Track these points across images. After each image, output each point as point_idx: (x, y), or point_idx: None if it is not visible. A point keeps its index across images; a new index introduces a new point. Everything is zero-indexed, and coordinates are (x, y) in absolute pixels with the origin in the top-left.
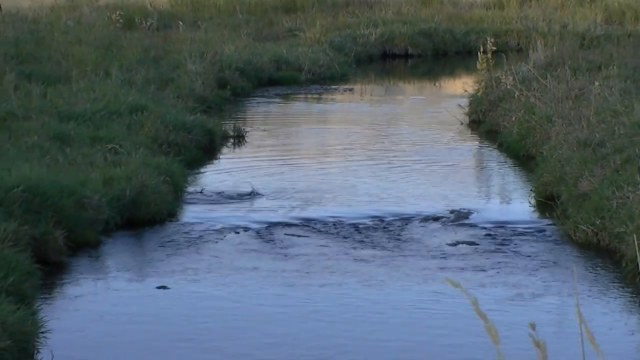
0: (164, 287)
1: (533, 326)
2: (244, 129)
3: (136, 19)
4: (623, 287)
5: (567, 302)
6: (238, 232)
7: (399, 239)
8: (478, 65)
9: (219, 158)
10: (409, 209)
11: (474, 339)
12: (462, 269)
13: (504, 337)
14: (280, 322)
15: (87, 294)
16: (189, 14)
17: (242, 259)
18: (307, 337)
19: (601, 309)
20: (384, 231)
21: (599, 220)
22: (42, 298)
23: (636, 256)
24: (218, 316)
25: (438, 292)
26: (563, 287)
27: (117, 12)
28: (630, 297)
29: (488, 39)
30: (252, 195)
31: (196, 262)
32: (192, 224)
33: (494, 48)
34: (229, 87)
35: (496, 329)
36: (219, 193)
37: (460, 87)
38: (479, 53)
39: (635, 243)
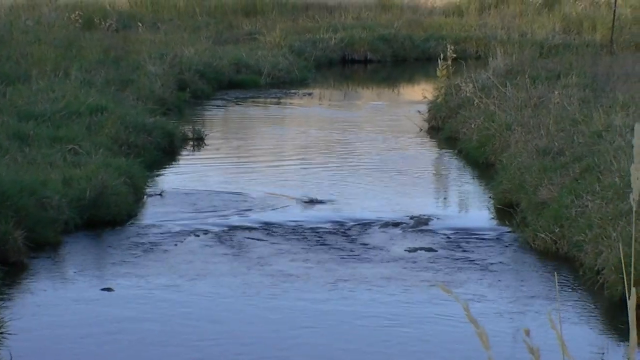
0: (108, 289)
1: (527, 332)
2: (203, 131)
3: (95, 20)
4: (581, 295)
5: (524, 308)
6: (198, 235)
7: (358, 244)
8: (438, 72)
9: (179, 160)
10: (368, 214)
11: (432, 344)
12: (422, 274)
13: (465, 342)
14: (229, 325)
15: (46, 295)
16: (148, 15)
17: (200, 262)
18: (259, 341)
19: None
20: (344, 236)
21: (558, 228)
22: (0, 298)
23: (595, 264)
24: (166, 319)
25: (397, 297)
26: (521, 294)
27: (76, 12)
28: (589, 305)
29: (448, 46)
30: (212, 197)
31: (155, 264)
32: (152, 225)
33: (454, 55)
34: (188, 89)
35: (487, 335)
36: (178, 195)
37: (420, 93)
38: (439, 60)
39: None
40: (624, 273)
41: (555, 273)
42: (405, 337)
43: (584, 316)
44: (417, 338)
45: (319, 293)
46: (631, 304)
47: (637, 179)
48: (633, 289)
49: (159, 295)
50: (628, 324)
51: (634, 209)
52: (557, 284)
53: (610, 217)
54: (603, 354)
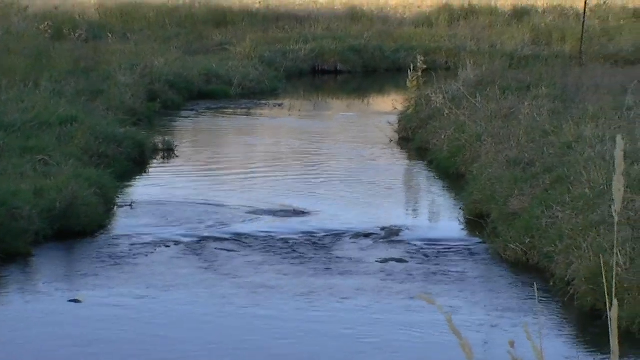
0: (77, 301)
1: (512, 344)
2: (174, 142)
3: (65, 30)
4: (552, 306)
5: (496, 319)
6: (169, 246)
7: (330, 255)
8: (409, 83)
9: (150, 171)
10: (340, 225)
11: (407, 355)
12: (394, 285)
13: (440, 353)
14: (201, 337)
15: (16, 305)
16: (118, 25)
17: (171, 273)
18: (231, 353)
19: (530, 328)
20: (316, 247)
21: (529, 239)
22: None
23: (566, 275)
24: (136, 330)
25: (371, 308)
26: (492, 305)
27: (46, 23)
28: (560, 316)
29: (419, 56)
30: (183, 208)
31: (125, 275)
32: (123, 236)
33: (425, 66)
34: (159, 99)
35: (471, 346)
36: (149, 206)
37: (390, 104)
38: (409, 71)
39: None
40: (608, 283)
41: (535, 285)
42: (379, 348)
43: (555, 327)
44: (391, 349)
45: (291, 304)
46: (614, 314)
47: (619, 189)
48: (615, 300)
49: (129, 307)
50: (599, 334)
51: (617, 220)
52: (537, 295)
53: (581, 228)
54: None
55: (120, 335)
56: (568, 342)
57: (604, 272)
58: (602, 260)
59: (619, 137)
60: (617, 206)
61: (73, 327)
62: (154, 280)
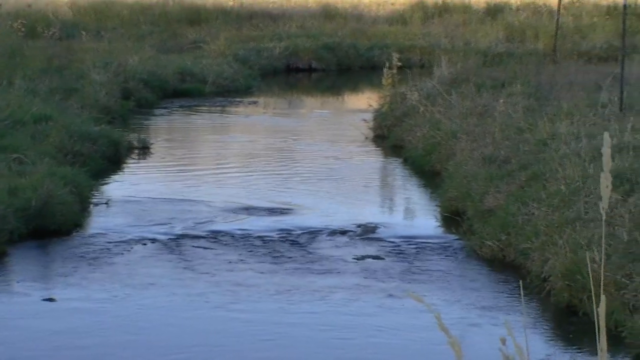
0: (50, 300)
1: (504, 341)
2: (148, 140)
3: (38, 28)
4: (528, 302)
5: (471, 316)
6: (145, 244)
7: (307, 253)
8: (383, 81)
9: (124, 169)
10: (315, 222)
11: (384, 352)
12: (370, 283)
13: (416, 350)
14: (176, 335)
15: None
16: (92, 23)
17: (146, 271)
18: (207, 351)
19: (503, 323)
20: (292, 244)
21: (505, 236)
22: None
23: (541, 272)
24: (110, 329)
25: (348, 306)
26: (468, 301)
27: (19, 21)
28: (535, 313)
29: (394, 54)
30: (158, 206)
31: (100, 274)
32: (98, 235)
33: (400, 64)
34: (133, 98)
35: (460, 344)
36: (124, 204)
37: (364, 101)
38: (384, 68)
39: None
40: (593, 280)
41: (521, 282)
42: (357, 347)
43: (530, 323)
44: (369, 348)
45: (268, 304)
46: (601, 311)
47: (607, 187)
48: (603, 296)
49: (104, 306)
50: (575, 330)
51: (604, 217)
52: (521, 293)
53: (556, 225)
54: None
55: (94, 335)
56: (544, 338)
57: (590, 267)
58: (587, 256)
59: (606, 135)
60: (604, 203)
61: (47, 326)
62: (129, 279)
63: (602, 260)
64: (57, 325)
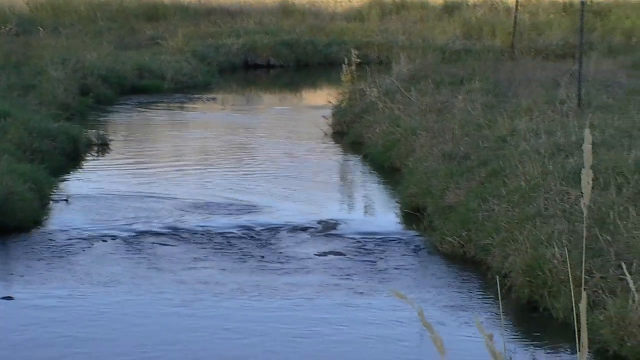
0: (8, 298)
1: (491, 337)
2: (107, 136)
3: None
4: (489, 298)
5: (433, 313)
6: (105, 241)
7: (267, 250)
8: (342, 77)
9: (84, 166)
10: (276, 219)
11: (340, 346)
12: (331, 279)
13: (379, 346)
14: (138, 333)
15: None
16: (49, 19)
17: (107, 268)
18: (170, 348)
19: (466, 320)
20: (253, 241)
21: (465, 232)
22: None
23: (502, 267)
24: (69, 327)
25: (308, 302)
26: (430, 297)
27: None
28: (495, 308)
29: (353, 51)
30: (118, 202)
31: (61, 271)
32: (59, 232)
33: (358, 60)
34: (91, 94)
35: (442, 340)
36: (84, 200)
37: (323, 98)
38: (343, 65)
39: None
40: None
41: (497, 279)
42: (320, 342)
43: (491, 319)
44: (331, 343)
45: (230, 300)
46: (582, 307)
47: (588, 183)
48: (584, 293)
49: (64, 304)
50: (536, 326)
51: (585, 214)
52: (499, 291)
53: (516, 221)
54: (510, 358)
55: (53, 333)
56: (505, 334)
57: (571, 265)
58: (569, 254)
59: (587, 131)
60: (585, 199)
61: (4, 325)
62: (89, 276)
63: (583, 257)
64: (15, 323)
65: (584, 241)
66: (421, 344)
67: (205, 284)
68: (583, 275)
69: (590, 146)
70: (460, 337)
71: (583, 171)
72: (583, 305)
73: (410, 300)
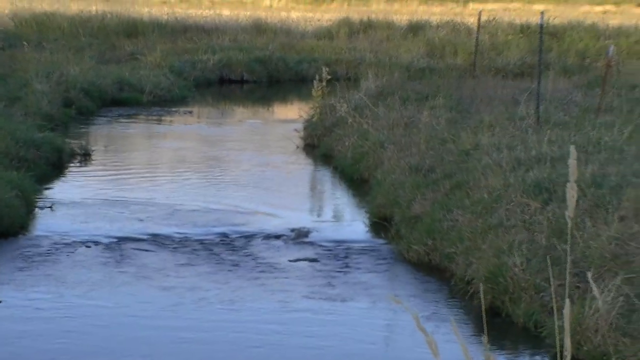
0: None
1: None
2: (90, 146)
3: None
4: (453, 304)
5: (398, 317)
6: (89, 246)
7: (243, 256)
8: (313, 92)
9: (67, 174)
10: (251, 227)
11: (307, 351)
12: (303, 284)
13: (353, 350)
14: (120, 337)
15: None
16: (34, 35)
17: (89, 272)
18: (148, 354)
19: (432, 327)
20: (229, 248)
21: (431, 241)
22: None
23: (465, 275)
24: (52, 332)
25: (283, 306)
26: (393, 303)
27: None
28: (459, 314)
29: (323, 67)
30: (100, 210)
31: (44, 277)
32: (44, 237)
33: (329, 76)
34: (74, 106)
35: (436, 343)
36: (68, 207)
37: (294, 112)
38: (314, 81)
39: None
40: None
41: (481, 287)
42: (295, 347)
43: (455, 325)
44: (309, 348)
45: (207, 305)
46: (566, 312)
47: (573, 196)
48: (567, 300)
49: (45, 309)
50: (498, 331)
51: (570, 225)
52: (482, 298)
53: (479, 231)
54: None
55: (34, 337)
56: (467, 340)
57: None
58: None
59: (572, 148)
60: (570, 212)
61: None
62: (72, 282)
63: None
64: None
65: (569, 249)
66: (388, 348)
67: (183, 289)
68: (568, 282)
69: (575, 161)
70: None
71: (568, 185)
72: (567, 312)
73: (406, 306)
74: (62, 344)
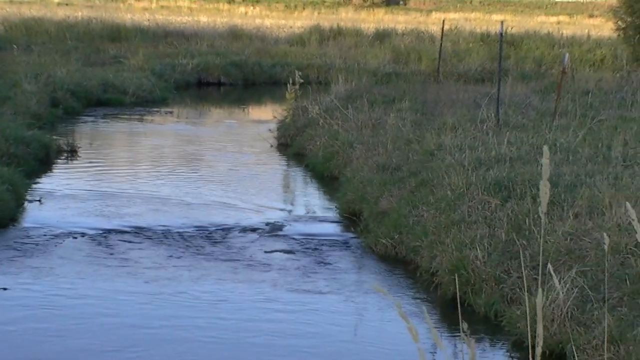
0: (3, 289)
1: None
2: (76, 144)
3: None
4: (417, 294)
5: (368, 307)
6: (75, 237)
7: (222, 247)
8: (287, 95)
9: (55, 170)
10: (228, 220)
11: (288, 341)
12: (277, 275)
13: (325, 340)
14: (106, 327)
15: None
16: (22, 38)
17: (75, 262)
18: (131, 344)
19: (396, 316)
20: (209, 240)
21: (397, 235)
22: None
23: (430, 267)
24: (39, 321)
25: (257, 293)
26: (365, 292)
27: None
28: (424, 303)
29: (297, 72)
30: (86, 204)
31: (34, 265)
32: (33, 228)
33: (302, 80)
34: (61, 106)
35: (416, 329)
36: (56, 201)
37: (268, 113)
38: (288, 84)
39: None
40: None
41: (456, 279)
42: (273, 333)
43: (419, 313)
44: (280, 331)
45: (188, 294)
46: (539, 302)
47: (545, 193)
48: (539, 290)
49: (30, 299)
50: (458, 320)
51: (543, 221)
52: (457, 291)
53: (443, 226)
54: (436, 349)
55: (21, 323)
56: (432, 327)
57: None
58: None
59: (545, 148)
60: (543, 207)
61: None
62: (58, 272)
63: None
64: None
65: (542, 243)
66: (355, 337)
67: (164, 280)
68: (540, 273)
69: (547, 161)
70: (389, 327)
71: (541, 182)
72: (539, 300)
73: (389, 294)
74: (45, 333)
